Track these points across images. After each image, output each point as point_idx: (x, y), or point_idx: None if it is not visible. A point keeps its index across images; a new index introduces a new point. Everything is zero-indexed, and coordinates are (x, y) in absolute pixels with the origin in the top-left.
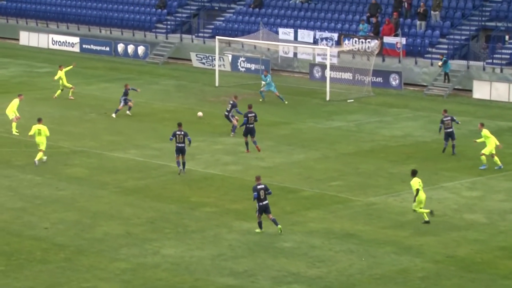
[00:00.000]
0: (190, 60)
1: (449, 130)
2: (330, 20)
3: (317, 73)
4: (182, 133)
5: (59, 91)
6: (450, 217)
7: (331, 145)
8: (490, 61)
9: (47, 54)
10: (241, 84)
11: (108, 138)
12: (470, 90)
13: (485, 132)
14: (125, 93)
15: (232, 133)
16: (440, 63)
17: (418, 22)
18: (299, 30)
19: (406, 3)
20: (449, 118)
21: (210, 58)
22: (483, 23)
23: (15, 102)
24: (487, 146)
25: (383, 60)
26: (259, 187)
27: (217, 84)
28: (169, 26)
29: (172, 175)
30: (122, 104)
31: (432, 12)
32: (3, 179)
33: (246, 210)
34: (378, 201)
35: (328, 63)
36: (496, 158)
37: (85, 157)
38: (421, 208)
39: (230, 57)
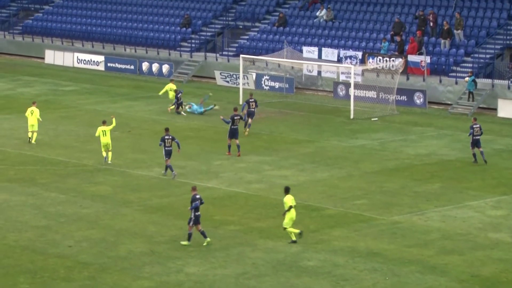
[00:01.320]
0: (214, 78)
1: (477, 137)
2: (354, 38)
3: (341, 91)
4: (170, 137)
5: (172, 106)
6: (474, 236)
7: (355, 164)
8: None
9: (72, 73)
10: (265, 102)
11: (132, 156)
12: (495, 109)
13: None
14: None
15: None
16: (466, 79)
17: (442, 41)
18: (323, 48)
19: (431, 22)
20: (478, 126)
21: (234, 76)
22: (508, 42)
23: (35, 110)
24: None
25: (408, 79)
26: (197, 196)
27: (240, 102)
28: (193, 45)
29: None
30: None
31: (454, 31)
32: (27, 197)
33: (270, 228)
34: (403, 220)
35: (352, 81)
36: None
37: (109, 175)
38: (290, 226)
39: (254, 75)
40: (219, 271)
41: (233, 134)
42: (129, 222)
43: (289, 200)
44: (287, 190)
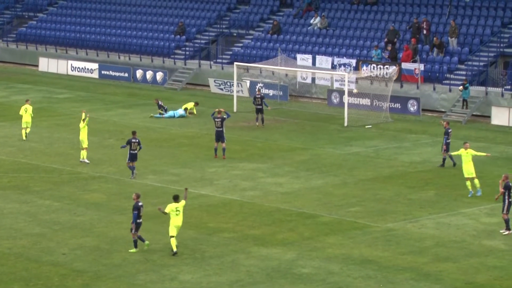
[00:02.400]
0: (208, 86)
1: (449, 140)
2: (348, 46)
3: (335, 99)
4: (137, 140)
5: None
6: (469, 243)
7: (349, 171)
8: (508, 87)
9: (66, 80)
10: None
11: (126, 163)
12: (489, 116)
13: (469, 152)
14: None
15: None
16: (461, 87)
17: (436, 50)
18: (317, 56)
19: (425, 30)
20: (451, 130)
21: (229, 84)
22: (501, 50)
23: (29, 107)
24: (465, 169)
25: (401, 86)
26: (139, 204)
27: (235, 110)
28: (187, 52)
29: (190, 200)
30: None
31: (449, 38)
32: (21, 205)
33: (264, 236)
34: (397, 227)
35: (346, 89)
36: (469, 183)
37: (103, 182)
38: (173, 236)
39: (248, 83)
40: (213, 279)
41: (218, 136)
42: (123, 230)
43: (170, 207)
44: (174, 198)
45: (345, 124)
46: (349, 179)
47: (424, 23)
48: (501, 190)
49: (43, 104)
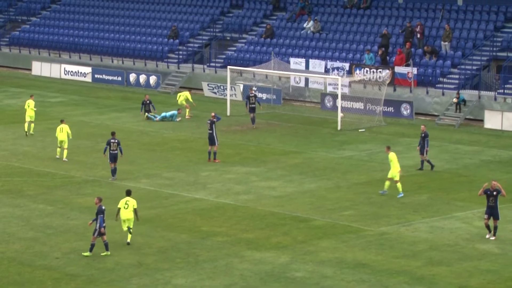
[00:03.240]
0: (201, 89)
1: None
2: (342, 50)
3: (328, 103)
4: (116, 141)
5: (188, 110)
6: (462, 247)
7: (342, 175)
8: (501, 91)
9: (59, 84)
10: None
11: (119, 167)
12: (482, 120)
13: (391, 156)
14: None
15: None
16: (455, 99)
17: (428, 54)
18: (310, 59)
19: (418, 34)
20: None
21: (222, 87)
22: (494, 53)
23: (31, 102)
24: (390, 170)
25: (395, 90)
26: (103, 208)
27: (228, 114)
28: (181, 56)
29: (184, 204)
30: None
31: (442, 42)
32: (15, 209)
33: (258, 240)
34: (390, 231)
35: (339, 92)
36: (399, 184)
37: (97, 186)
38: (126, 228)
39: (241, 86)
40: (207, 283)
41: (209, 139)
42: (116, 234)
43: (120, 202)
44: (127, 193)
45: (339, 127)
46: (342, 182)
47: (418, 27)
48: (481, 192)
49: (36, 108)
